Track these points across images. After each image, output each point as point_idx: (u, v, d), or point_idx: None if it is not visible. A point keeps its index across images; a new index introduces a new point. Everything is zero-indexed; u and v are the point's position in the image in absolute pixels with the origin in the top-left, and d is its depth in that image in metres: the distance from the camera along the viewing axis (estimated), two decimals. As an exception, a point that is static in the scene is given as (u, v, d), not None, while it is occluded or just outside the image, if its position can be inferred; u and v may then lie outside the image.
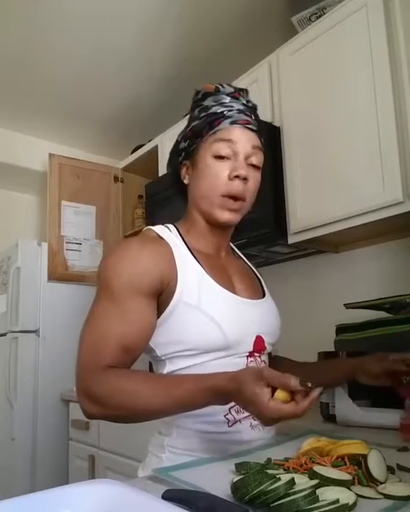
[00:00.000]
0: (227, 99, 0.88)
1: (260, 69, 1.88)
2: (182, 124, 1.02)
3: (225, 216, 0.87)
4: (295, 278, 2.06)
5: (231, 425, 0.83)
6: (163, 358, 0.84)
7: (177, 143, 0.95)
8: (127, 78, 2.42)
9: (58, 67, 2.30)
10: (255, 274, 1.05)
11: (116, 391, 0.73)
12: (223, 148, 0.86)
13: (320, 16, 1.71)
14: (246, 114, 0.88)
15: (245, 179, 0.86)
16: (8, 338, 2.43)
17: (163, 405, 0.73)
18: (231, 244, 1.04)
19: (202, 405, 0.73)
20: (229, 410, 0.82)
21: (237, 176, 0.85)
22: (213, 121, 0.87)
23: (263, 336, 0.89)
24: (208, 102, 0.89)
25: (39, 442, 2.36)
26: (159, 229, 0.90)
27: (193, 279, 0.83)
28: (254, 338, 0.87)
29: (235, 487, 0.56)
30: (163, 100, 2.57)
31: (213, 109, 0.87)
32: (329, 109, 1.58)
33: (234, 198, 0.86)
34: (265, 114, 1.79)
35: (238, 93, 0.90)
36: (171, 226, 0.92)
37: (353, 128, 1.49)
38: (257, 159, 0.89)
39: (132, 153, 2.77)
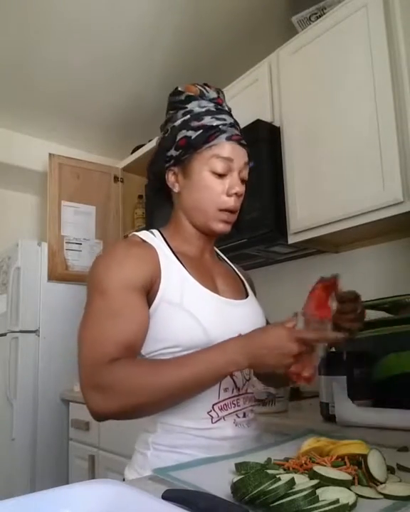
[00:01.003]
0: (212, 107, 0.91)
1: (260, 69, 1.88)
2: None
3: (221, 227, 0.92)
4: (295, 278, 2.06)
5: (215, 422, 0.84)
6: (147, 356, 0.85)
7: (163, 149, 0.95)
8: (127, 78, 2.42)
9: (59, 67, 2.30)
10: (240, 277, 1.07)
11: (127, 375, 0.74)
12: (221, 166, 0.89)
13: (320, 16, 1.71)
14: (236, 128, 0.92)
15: (239, 195, 0.91)
16: (8, 338, 2.43)
17: (182, 378, 0.73)
18: (216, 248, 1.06)
19: (220, 371, 0.74)
20: (212, 407, 0.84)
21: (235, 193, 0.89)
22: (209, 137, 0.89)
23: None
24: (193, 106, 0.90)
25: (39, 442, 2.35)
26: (142, 234, 0.93)
27: (175, 279, 0.85)
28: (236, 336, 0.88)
29: (235, 487, 0.56)
30: (163, 100, 2.53)
31: (206, 121, 0.89)
32: (329, 109, 1.58)
33: (230, 211, 0.91)
34: (265, 114, 1.80)
35: (220, 98, 0.93)
36: (155, 231, 0.95)
37: (353, 128, 1.50)
38: (245, 174, 0.93)
39: (132, 153, 2.77)
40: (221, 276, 0.97)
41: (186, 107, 0.91)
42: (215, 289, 0.91)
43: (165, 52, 2.22)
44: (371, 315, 1.35)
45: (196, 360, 0.75)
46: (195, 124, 0.89)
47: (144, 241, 0.91)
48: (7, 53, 2.19)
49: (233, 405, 0.86)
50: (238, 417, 0.87)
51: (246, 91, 1.92)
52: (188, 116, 0.90)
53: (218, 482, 0.61)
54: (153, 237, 0.92)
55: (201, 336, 0.82)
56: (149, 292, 0.83)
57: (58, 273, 2.53)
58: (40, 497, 0.50)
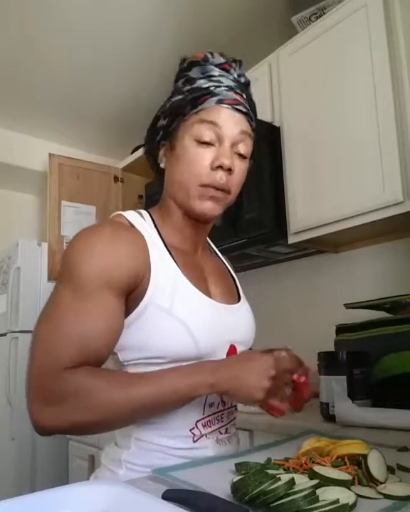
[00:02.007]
0: (216, 72, 0.76)
1: (260, 69, 1.88)
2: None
3: (206, 205, 0.76)
4: (294, 278, 2.06)
5: (196, 440, 0.75)
6: (125, 363, 0.75)
7: (156, 119, 0.84)
8: (127, 78, 2.42)
9: (58, 67, 2.30)
10: (231, 273, 0.95)
11: (85, 387, 0.63)
12: (206, 132, 0.74)
13: (320, 16, 1.71)
14: (236, 92, 0.76)
15: (229, 170, 0.75)
16: (8, 338, 2.43)
17: (149, 398, 0.64)
18: (208, 239, 0.94)
19: (191, 394, 0.67)
20: (196, 424, 0.75)
21: (220, 166, 0.74)
22: (198, 99, 0.75)
23: (236, 346, 0.81)
24: (194, 73, 0.77)
25: (39, 442, 2.36)
26: (130, 216, 0.78)
27: (167, 279, 0.73)
28: (227, 347, 0.79)
29: (235, 487, 0.56)
30: (163, 100, 2.56)
31: (199, 83, 0.76)
32: (329, 109, 1.58)
33: (216, 188, 0.76)
34: (265, 114, 1.80)
35: (229, 64, 0.78)
36: (144, 213, 0.81)
37: (353, 128, 1.50)
38: (244, 148, 0.77)
39: (132, 153, 2.77)
40: (213, 276, 0.85)
41: (188, 75, 0.78)
42: (207, 291, 0.79)
43: (165, 52, 2.22)
44: (371, 315, 1.36)
45: (168, 377, 0.66)
46: (186, 87, 0.78)
47: (132, 226, 0.77)
48: (7, 53, 2.19)
49: (217, 421, 0.78)
50: (221, 434, 0.79)
51: (246, 91, 1.92)
52: (183, 80, 0.79)
53: (218, 482, 0.61)
54: (142, 222, 0.78)
55: (191, 348, 0.72)
56: (133, 291, 0.71)
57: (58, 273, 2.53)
58: (40, 497, 0.50)
